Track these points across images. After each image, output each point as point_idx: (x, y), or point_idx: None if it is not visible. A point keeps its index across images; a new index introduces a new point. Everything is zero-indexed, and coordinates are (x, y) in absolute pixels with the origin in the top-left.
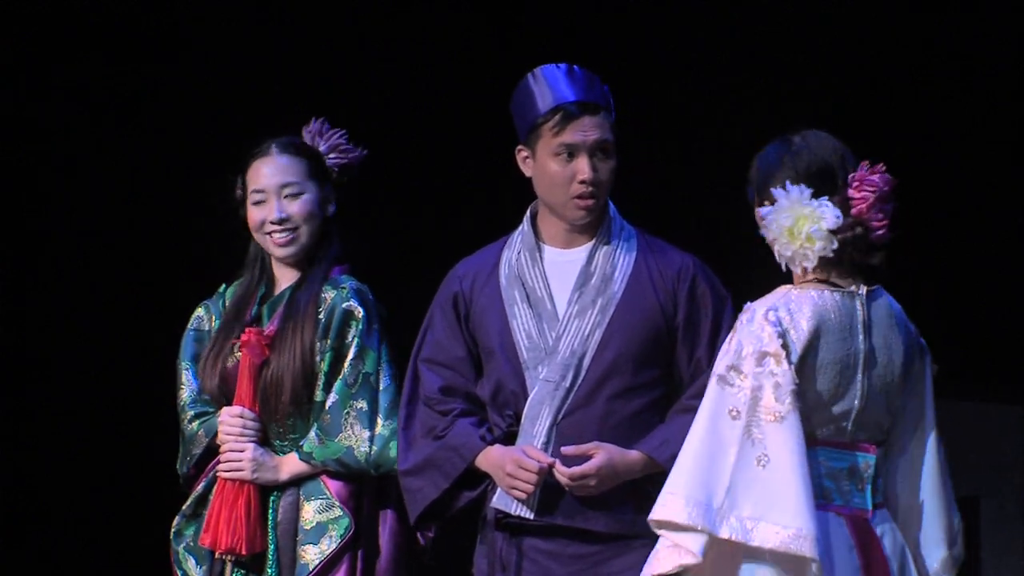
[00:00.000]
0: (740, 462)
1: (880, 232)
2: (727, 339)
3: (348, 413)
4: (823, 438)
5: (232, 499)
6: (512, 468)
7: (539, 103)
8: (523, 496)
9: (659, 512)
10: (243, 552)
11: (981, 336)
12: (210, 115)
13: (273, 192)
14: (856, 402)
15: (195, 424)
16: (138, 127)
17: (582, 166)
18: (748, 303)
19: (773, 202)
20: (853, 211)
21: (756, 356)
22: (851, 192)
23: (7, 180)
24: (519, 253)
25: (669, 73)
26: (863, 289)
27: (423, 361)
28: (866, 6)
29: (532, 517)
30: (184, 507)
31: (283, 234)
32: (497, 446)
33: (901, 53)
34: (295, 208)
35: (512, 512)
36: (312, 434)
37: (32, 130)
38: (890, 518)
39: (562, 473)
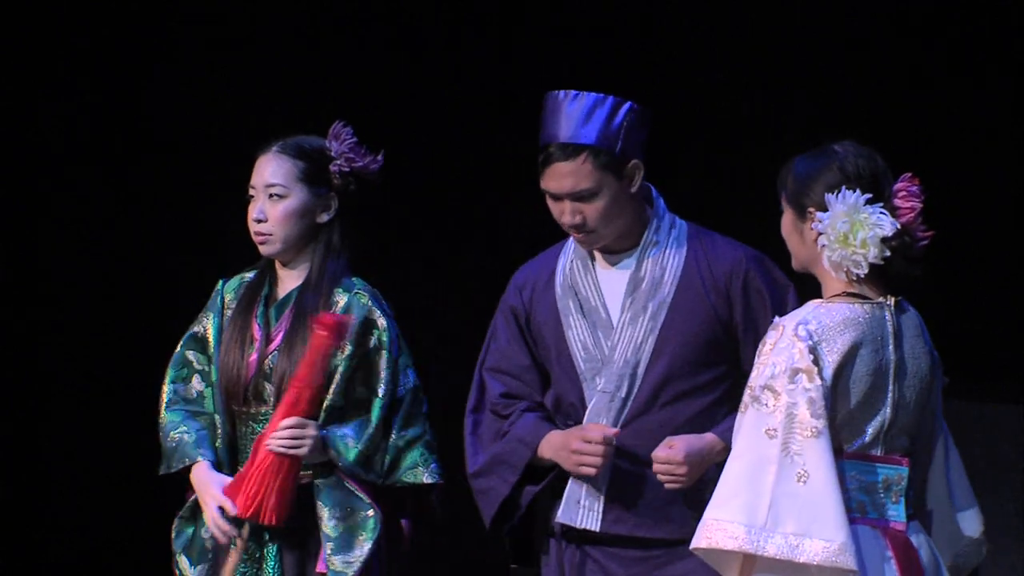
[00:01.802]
0: (780, 479)
1: (923, 243)
2: (757, 358)
3: (366, 420)
4: (857, 451)
5: (276, 471)
6: (577, 444)
7: (540, 132)
8: (592, 471)
9: (703, 540)
10: (275, 522)
11: (978, 335)
12: (217, 116)
13: (261, 191)
14: (888, 412)
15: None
16: (142, 126)
17: (564, 210)
18: (777, 319)
19: (819, 205)
20: (901, 220)
21: (788, 373)
22: (897, 202)
23: (8, 179)
24: (572, 262)
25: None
26: (891, 300)
27: (488, 370)
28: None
29: (598, 529)
30: (182, 511)
31: (260, 235)
32: (556, 431)
33: (894, 56)
34: (274, 211)
35: (577, 525)
36: (345, 435)
37: (32, 129)
38: (923, 529)
39: (655, 459)
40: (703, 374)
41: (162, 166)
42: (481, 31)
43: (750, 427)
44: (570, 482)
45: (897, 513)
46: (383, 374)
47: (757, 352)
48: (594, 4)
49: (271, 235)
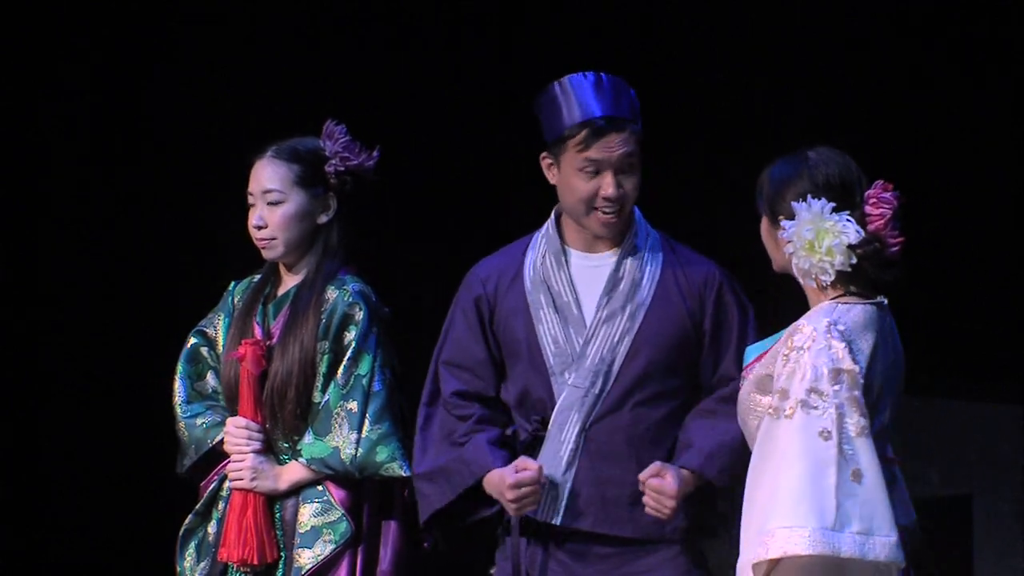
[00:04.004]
0: (840, 480)
1: (895, 248)
2: (784, 361)
3: (338, 414)
4: None
5: (240, 509)
6: (511, 494)
7: (565, 115)
8: (534, 508)
9: (776, 550)
10: (255, 562)
11: (975, 334)
12: (217, 116)
13: (258, 197)
14: (888, 411)
15: (189, 428)
16: (142, 126)
17: (607, 183)
18: (799, 321)
19: (789, 214)
20: (870, 227)
21: (832, 373)
22: (868, 208)
23: (8, 179)
24: (544, 256)
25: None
26: (885, 300)
27: (443, 363)
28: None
29: (559, 523)
30: (197, 506)
31: (262, 240)
32: (496, 471)
33: (894, 56)
34: (273, 216)
35: (539, 519)
36: (307, 433)
37: (32, 129)
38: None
39: (648, 486)
40: (671, 380)
41: (162, 166)
42: (481, 31)
43: (800, 431)
44: None
45: (896, 513)
46: (355, 367)
47: (783, 356)
48: (594, 4)
49: (273, 240)
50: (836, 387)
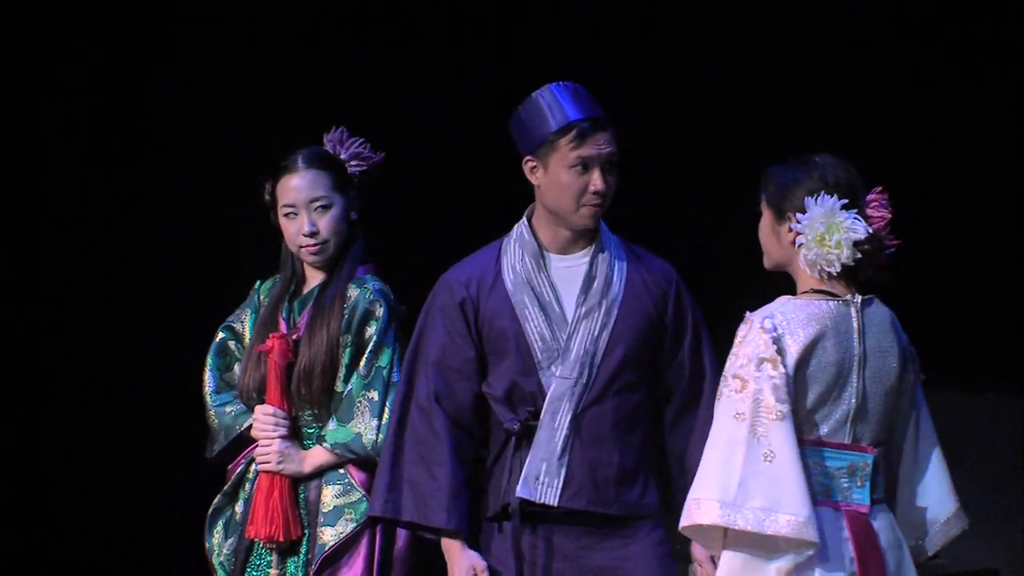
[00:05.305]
0: (748, 459)
1: (891, 250)
2: (732, 348)
3: (360, 402)
4: (823, 437)
5: (267, 490)
6: None
7: (551, 119)
8: None
9: (686, 519)
10: (281, 539)
11: (979, 333)
12: (217, 116)
13: (303, 206)
14: (852, 402)
15: (219, 416)
16: (142, 126)
17: (595, 178)
18: (748, 313)
19: (798, 209)
20: (872, 228)
21: (755, 362)
22: (870, 211)
23: (8, 179)
24: (522, 260)
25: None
26: (858, 298)
27: (424, 364)
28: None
29: (556, 504)
30: (225, 487)
31: (314, 246)
32: (457, 548)
33: (894, 56)
34: (324, 222)
35: (537, 500)
36: (331, 420)
37: (32, 129)
38: (890, 513)
39: None
40: (642, 368)
41: (162, 166)
42: (481, 31)
43: (722, 412)
44: (528, 461)
45: (861, 497)
46: (376, 359)
47: (734, 344)
48: (594, 4)
49: (325, 243)
50: (757, 374)
